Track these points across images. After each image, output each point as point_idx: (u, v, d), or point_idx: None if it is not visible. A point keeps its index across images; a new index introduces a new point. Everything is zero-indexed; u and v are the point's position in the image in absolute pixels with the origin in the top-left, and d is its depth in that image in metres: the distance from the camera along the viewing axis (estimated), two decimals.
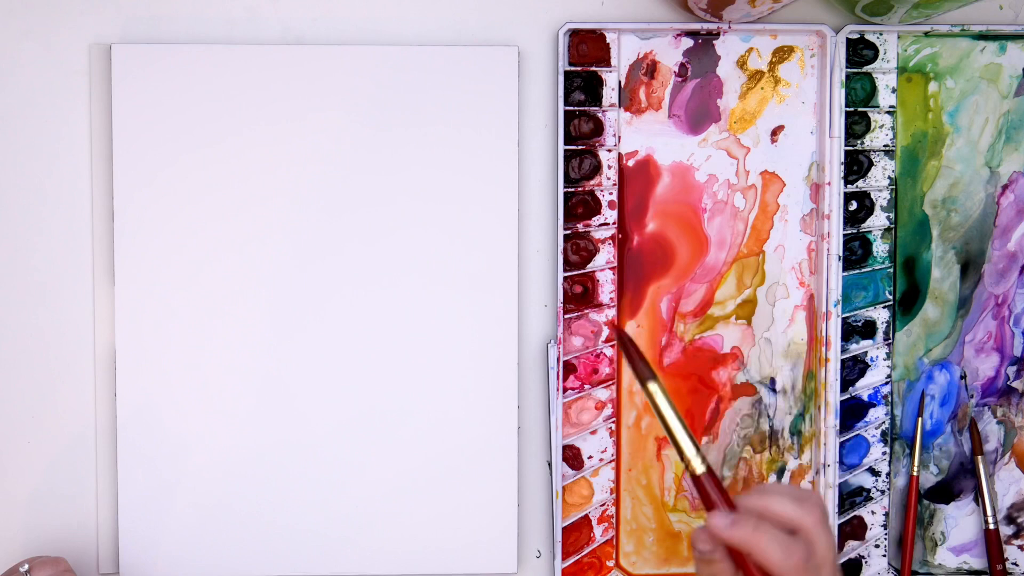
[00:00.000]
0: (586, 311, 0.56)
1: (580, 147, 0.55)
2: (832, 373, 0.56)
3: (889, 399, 0.57)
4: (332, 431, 0.55)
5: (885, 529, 0.57)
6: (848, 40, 0.55)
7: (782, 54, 0.56)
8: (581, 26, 0.55)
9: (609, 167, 0.55)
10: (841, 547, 0.57)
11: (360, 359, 0.55)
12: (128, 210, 0.54)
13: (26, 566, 0.49)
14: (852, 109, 0.56)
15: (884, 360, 0.57)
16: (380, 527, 0.55)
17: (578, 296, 0.56)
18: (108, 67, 0.54)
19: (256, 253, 0.54)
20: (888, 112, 0.56)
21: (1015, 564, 0.58)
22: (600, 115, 0.55)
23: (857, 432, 0.57)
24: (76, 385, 0.55)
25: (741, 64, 0.56)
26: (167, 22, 0.55)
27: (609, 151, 0.55)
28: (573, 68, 0.55)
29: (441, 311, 0.55)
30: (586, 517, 0.56)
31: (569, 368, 0.56)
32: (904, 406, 0.57)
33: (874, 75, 0.56)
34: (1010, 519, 0.58)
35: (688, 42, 0.56)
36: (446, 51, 0.54)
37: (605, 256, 0.55)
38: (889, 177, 0.56)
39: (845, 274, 0.56)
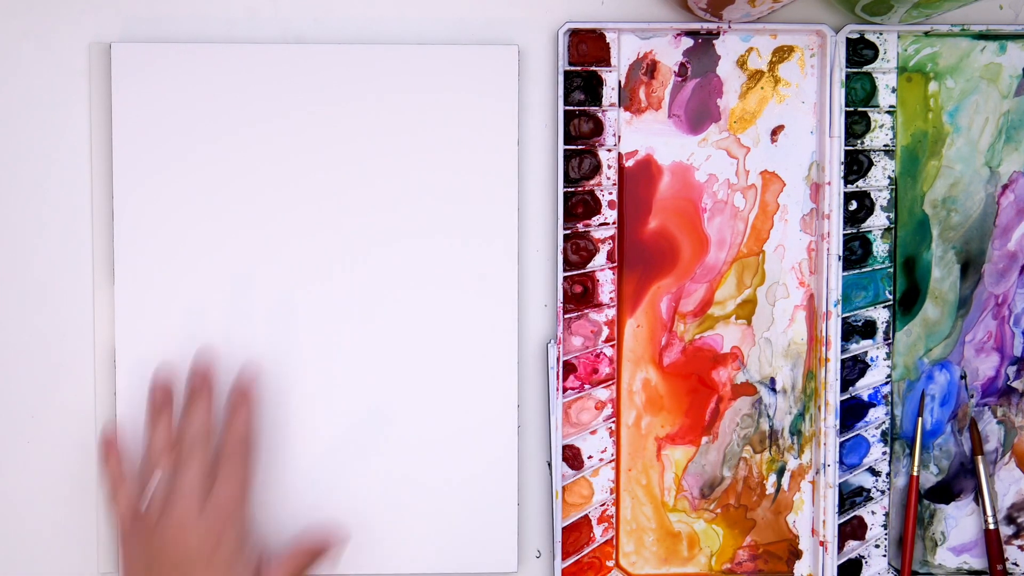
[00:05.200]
0: (586, 311, 0.56)
1: (580, 147, 0.55)
2: (832, 373, 0.56)
3: (889, 399, 0.57)
4: (331, 430, 0.55)
5: (885, 529, 0.57)
6: (848, 40, 0.55)
7: (782, 54, 0.56)
8: (581, 26, 0.55)
9: (609, 167, 0.55)
10: (841, 547, 0.57)
11: (360, 359, 0.55)
12: (128, 210, 0.54)
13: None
14: (852, 109, 0.56)
15: (884, 360, 0.57)
16: (379, 527, 0.55)
17: (578, 296, 0.56)
18: (108, 67, 0.54)
19: (255, 253, 0.54)
20: (888, 112, 0.56)
21: (1015, 564, 0.58)
22: (600, 115, 0.55)
23: (857, 432, 0.57)
24: (76, 385, 0.55)
25: (741, 64, 0.56)
26: (167, 21, 0.55)
27: (609, 151, 0.55)
28: (573, 68, 0.55)
29: (440, 311, 0.55)
30: (586, 517, 0.56)
31: (569, 368, 0.56)
32: (904, 406, 0.57)
33: (874, 75, 0.56)
34: (1010, 519, 0.58)
35: (688, 42, 0.56)
36: (446, 51, 0.54)
37: (605, 256, 0.55)
38: (889, 177, 0.56)
39: (845, 274, 0.56)
